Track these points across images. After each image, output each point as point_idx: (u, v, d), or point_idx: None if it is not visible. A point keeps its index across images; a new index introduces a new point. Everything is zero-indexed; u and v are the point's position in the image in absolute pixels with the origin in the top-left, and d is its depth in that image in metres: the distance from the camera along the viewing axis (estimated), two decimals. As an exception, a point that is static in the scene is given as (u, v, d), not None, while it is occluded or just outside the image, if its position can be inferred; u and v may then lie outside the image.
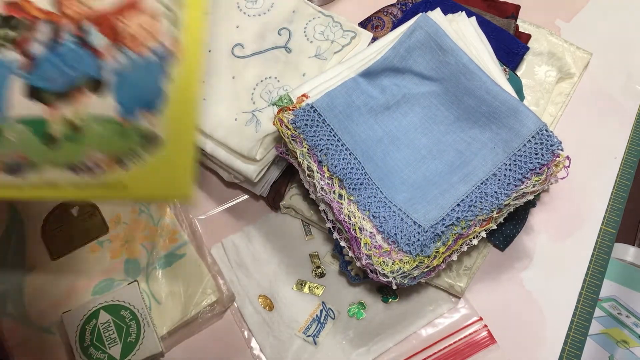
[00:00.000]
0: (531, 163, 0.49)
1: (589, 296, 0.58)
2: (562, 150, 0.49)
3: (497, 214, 0.51)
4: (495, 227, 0.52)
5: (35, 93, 0.36)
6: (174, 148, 0.36)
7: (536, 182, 0.49)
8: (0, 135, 0.35)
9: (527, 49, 0.64)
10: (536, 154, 0.49)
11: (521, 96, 0.61)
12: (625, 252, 0.97)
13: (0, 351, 0.53)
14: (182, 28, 0.36)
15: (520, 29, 0.67)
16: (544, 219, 0.61)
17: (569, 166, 0.50)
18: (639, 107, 0.66)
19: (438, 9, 0.56)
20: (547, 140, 0.49)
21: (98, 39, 0.36)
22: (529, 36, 0.66)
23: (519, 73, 0.65)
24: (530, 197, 0.51)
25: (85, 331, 0.51)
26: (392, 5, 0.68)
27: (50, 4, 0.36)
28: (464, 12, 0.58)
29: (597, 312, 0.93)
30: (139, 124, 0.36)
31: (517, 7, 0.66)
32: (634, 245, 1.02)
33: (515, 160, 0.50)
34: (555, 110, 0.65)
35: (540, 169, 0.49)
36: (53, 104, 0.36)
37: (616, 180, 0.63)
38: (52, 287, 0.55)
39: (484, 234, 0.52)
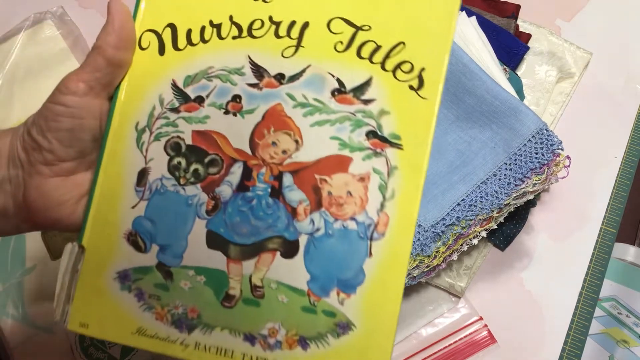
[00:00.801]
0: (531, 162, 0.49)
1: (589, 296, 0.58)
2: (562, 149, 0.49)
3: (497, 213, 0.51)
4: (496, 227, 0.52)
5: (216, 241, 0.31)
6: (367, 340, 0.31)
7: (536, 182, 0.49)
8: (173, 282, 0.31)
9: (527, 48, 0.64)
10: (536, 154, 0.49)
11: (521, 96, 0.61)
12: (626, 252, 0.97)
13: (0, 351, 0.53)
14: (394, 201, 0.31)
15: (521, 29, 0.67)
16: (544, 219, 0.61)
17: (569, 166, 0.50)
18: (639, 107, 0.66)
19: (438, 9, 0.56)
20: (548, 140, 0.49)
21: (295, 195, 0.31)
22: (529, 36, 0.66)
23: (519, 73, 0.65)
24: (531, 197, 0.51)
25: (85, 331, 0.51)
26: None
27: (246, 144, 0.31)
28: (464, 12, 0.58)
29: (597, 311, 0.93)
30: (330, 302, 0.31)
31: (517, 7, 0.66)
32: (634, 245, 1.02)
33: (515, 160, 0.50)
34: (555, 110, 0.65)
35: (540, 168, 0.49)
36: (235, 258, 0.31)
37: (616, 180, 0.63)
38: (52, 287, 0.55)
39: (484, 234, 0.52)
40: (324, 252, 0.31)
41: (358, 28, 0.32)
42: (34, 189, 0.31)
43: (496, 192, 0.49)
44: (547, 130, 0.50)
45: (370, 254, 0.31)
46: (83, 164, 0.32)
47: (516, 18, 0.66)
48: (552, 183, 0.50)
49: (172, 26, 0.32)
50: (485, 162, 0.51)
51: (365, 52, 0.32)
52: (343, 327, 0.31)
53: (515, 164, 0.50)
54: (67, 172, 0.32)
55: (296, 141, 0.31)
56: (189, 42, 0.32)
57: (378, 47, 0.32)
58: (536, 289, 0.58)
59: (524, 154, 0.50)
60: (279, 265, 0.31)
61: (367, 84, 0.32)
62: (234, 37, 0.32)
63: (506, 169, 0.50)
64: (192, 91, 0.32)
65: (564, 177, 0.51)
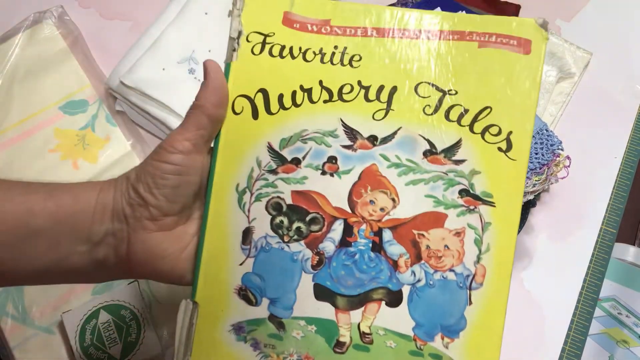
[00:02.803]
0: (531, 163, 0.49)
1: (589, 296, 0.58)
2: (562, 150, 0.49)
3: (497, 213, 0.51)
4: (496, 227, 0.52)
5: (324, 294, 0.33)
6: None
7: (536, 182, 0.49)
8: (286, 332, 0.33)
9: (527, 48, 0.64)
10: (536, 154, 0.49)
11: (521, 96, 0.61)
12: (625, 252, 0.97)
13: (0, 351, 0.53)
14: (489, 254, 0.33)
15: (520, 29, 0.67)
16: (544, 219, 0.61)
17: (569, 166, 0.50)
18: (639, 107, 0.66)
19: (438, 9, 0.56)
20: (548, 140, 0.49)
21: (395, 249, 0.33)
22: (529, 36, 0.66)
23: (519, 73, 0.65)
24: (531, 197, 0.51)
25: (85, 331, 0.51)
26: (393, 5, 0.68)
27: (345, 203, 0.34)
28: (464, 12, 0.58)
29: (597, 311, 0.93)
30: (435, 346, 0.33)
31: (517, 7, 0.66)
32: (634, 245, 1.02)
33: (515, 160, 0.50)
34: (555, 110, 0.65)
35: (540, 168, 0.49)
36: (343, 308, 0.33)
37: (616, 180, 0.63)
38: (52, 287, 0.55)
39: (484, 234, 0.52)
40: (427, 300, 0.33)
41: (445, 92, 0.34)
42: (139, 244, 0.32)
43: (496, 192, 0.50)
44: (547, 130, 0.50)
45: (470, 302, 0.33)
46: (183, 218, 0.34)
47: (516, 18, 0.66)
48: (552, 183, 0.50)
49: (264, 91, 0.34)
50: (485, 162, 0.51)
51: (453, 115, 0.34)
52: None
53: (515, 164, 0.50)
54: (170, 226, 0.33)
55: (393, 199, 0.33)
56: (282, 106, 0.34)
57: (466, 111, 0.34)
58: (536, 289, 0.58)
59: (524, 154, 0.50)
60: (384, 313, 0.33)
61: (457, 145, 0.34)
62: (325, 101, 0.34)
63: (506, 169, 0.50)
64: (288, 153, 0.34)
65: (564, 177, 0.51)
